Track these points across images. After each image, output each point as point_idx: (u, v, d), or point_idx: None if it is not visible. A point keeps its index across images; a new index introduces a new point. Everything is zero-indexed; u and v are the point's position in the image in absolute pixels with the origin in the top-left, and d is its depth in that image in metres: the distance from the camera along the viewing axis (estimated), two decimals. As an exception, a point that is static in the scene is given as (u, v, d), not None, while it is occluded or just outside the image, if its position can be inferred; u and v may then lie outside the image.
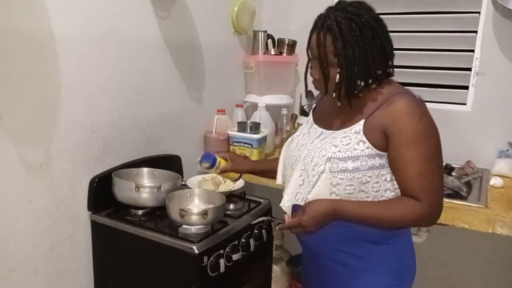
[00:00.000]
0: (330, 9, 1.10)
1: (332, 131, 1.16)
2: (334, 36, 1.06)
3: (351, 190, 1.09)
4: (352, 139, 1.09)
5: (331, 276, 1.23)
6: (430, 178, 1.05)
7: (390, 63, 1.13)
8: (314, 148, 1.15)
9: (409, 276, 1.24)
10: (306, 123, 1.29)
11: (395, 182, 1.10)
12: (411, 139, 1.04)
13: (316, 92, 1.26)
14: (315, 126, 1.23)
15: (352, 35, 1.05)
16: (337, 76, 1.09)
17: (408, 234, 1.23)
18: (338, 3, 1.11)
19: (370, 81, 1.10)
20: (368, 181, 1.09)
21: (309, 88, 1.24)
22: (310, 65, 1.18)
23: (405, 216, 1.07)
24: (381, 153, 1.08)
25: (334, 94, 1.12)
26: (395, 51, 1.15)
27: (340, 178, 1.09)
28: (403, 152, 1.05)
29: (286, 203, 1.18)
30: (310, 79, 1.19)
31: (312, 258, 1.29)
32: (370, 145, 1.08)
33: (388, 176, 1.10)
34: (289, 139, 1.30)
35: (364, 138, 1.08)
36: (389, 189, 1.10)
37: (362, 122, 1.10)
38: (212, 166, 1.40)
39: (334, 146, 1.10)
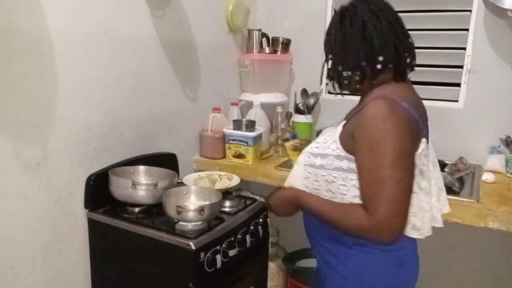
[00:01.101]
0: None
1: (333, 128, 1.19)
2: (329, 28, 1.16)
3: (317, 186, 1.13)
4: (331, 138, 1.12)
5: (320, 266, 1.27)
6: (380, 189, 0.97)
7: (381, 59, 1.08)
8: (319, 137, 1.21)
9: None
10: None
11: None
12: (368, 144, 1.00)
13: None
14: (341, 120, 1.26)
15: (342, 25, 1.10)
16: (329, 63, 1.15)
17: (394, 248, 1.10)
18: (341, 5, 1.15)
19: (358, 72, 1.10)
20: (334, 181, 1.09)
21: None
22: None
23: (345, 222, 1.04)
24: (351, 156, 1.06)
25: (327, 81, 1.20)
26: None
27: (308, 172, 1.15)
28: (360, 158, 1.03)
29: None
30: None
31: (313, 247, 1.31)
32: (340, 146, 1.08)
33: (357, 182, 1.06)
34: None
35: (337, 139, 1.10)
36: (358, 196, 1.05)
37: (342, 123, 1.13)
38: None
39: (316, 142, 1.17)
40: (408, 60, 1.13)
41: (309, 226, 1.26)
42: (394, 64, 1.10)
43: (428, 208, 1.11)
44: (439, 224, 1.18)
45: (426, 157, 1.11)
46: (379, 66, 1.09)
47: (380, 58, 1.08)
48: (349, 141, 1.06)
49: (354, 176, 1.06)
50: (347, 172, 1.07)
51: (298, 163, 1.19)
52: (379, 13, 1.09)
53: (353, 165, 1.06)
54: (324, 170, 1.10)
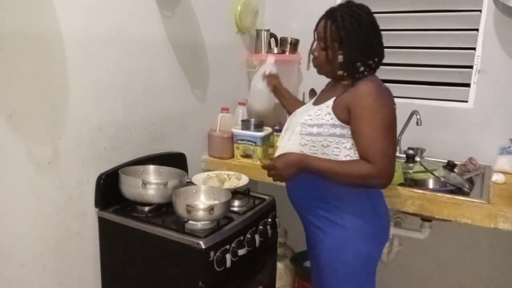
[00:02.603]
0: (340, 5, 1.37)
1: (315, 106, 1.44)
2: (337, 26, 1.33)
3: (315, 151, 1.38)
4: (323, 111, 1.38)
5: (313, 231, 1.48)
6: (380, 145, 1.27)
7: (376, 59, 1.37)
8: (299, 115, 1.48)
9: (379, 233, 1.43)
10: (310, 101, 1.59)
11: (355, 150, 1.34)
12: (366, 112, 1.28)
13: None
14: (310, 102, 1.55)
15: (352, 27, 1.32)
16: (339, 57, 1.35)
17: (379, 197, 1.44)
18: (347, 2, 1.38)
19: (368, 68, 1.36)
20: (329, 145, 1.36)
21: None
22: (313, 45, 1.46)
23: (355, 171, 1.31)
24: (343, 125, 1.33)
25: (339, 73, 1.38)
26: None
27: (306, 140, 1.39)
28: (360, 123, 1.29)
29: (275, 154, 1.50)
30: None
31: (300, 214, 1.53)
32: (334, 117, 1.34)
33: (348, 145, 1.34)
34: (294, 112, 1.58)
35: (331, 111, 1.36)
36: (349, 155, 1.35)
37: (333, 99, 1.37)
38: None
39: (308, 115, 1.41)
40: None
41: (298, 194, 1.49)
42: (378, 65, 1.41)
43: None
44: None
45: None
46: (373, 65, 1.38)
47: (376, 59, 1.38)
48: (343, 113, 1.33)
49: (345, 140, 1.34)
50: (340, 137, 1.35)
51: (295, 133, 1.42)
52: (374, 20, 1.36)
53: (344, 131, 1.34)
54: (321, 137, 1.36)
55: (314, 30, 1.42)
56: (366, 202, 1.40)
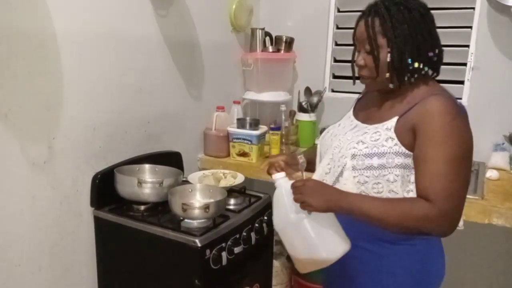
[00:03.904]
0: (377, 1, 1.10)
1: (365, 125, 1.14)
2: (382, 17, 1.05)
3: (380, 189, 1.07)
4: (381, 135, 1.07)
5: (351, 273, 1.19)
6: (448, 181, 0.98)
7: (437, 51, 1.09)
8: (345, 139, 1.14)
9: (433, 281, 1.18)
10: (347, 115, 1.27)
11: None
12: (438, 137, 0.99)
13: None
14: (352, 118, 1.23)
15: (400, 16, 1.04)
16: (388, 56, 1.06)
17: (434, 237, 1.13)
18: None
19: (422, 64, 1.07)
20: (396, 180, 1.05)
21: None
22: (355, 54, 1.15)
23: (409, 212, 0.99)
24: (408, 152, 1.04)
25: (387, 75, 1.08)
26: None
27: (366, 176, 1.07)
28: (427, 149, 1.00)
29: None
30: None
31: None
32: (398, 142, 1.04)
33: (412, 177, 1.05)
34: (326, 130, 1.29)
35: (393, 135, 1.05)
36: (412, 190, 1.05)
37: (395, 119, 1.07)
38: None
39: (362, 142, 1.09)
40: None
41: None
42: (440, 59, 1.12)
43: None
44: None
45: None
46: (435, 58, 1.10)
47: (437, 50, 1.09)
48: (407, 136, 1.04)
49: (409, 172, 1.05)
50: (405, 169, 1.05)
51: (346, 169, 1.09)
52: (426, 5, 1.09)
53: (409, 161, 1.04)
54: (385, 170, 1.05)
55: (353, 37, 1.14)
56: (423, 243, 1.12)
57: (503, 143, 2.01)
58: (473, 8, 2.06)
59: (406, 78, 1.08)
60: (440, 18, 2.11)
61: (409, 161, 1.04)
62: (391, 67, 1.07)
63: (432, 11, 1.11)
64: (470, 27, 2.07)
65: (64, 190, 1.46)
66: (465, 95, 2.13)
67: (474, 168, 1.95)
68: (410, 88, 1.10)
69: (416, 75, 1.08)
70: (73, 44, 1.43)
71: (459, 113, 1.02)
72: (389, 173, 1.05)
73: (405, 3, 1.05)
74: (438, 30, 1.12)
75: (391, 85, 1.09)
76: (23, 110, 1.29)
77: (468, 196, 1.58)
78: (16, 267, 1.34)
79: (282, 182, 1.10)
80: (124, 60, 1.64)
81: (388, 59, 1.06)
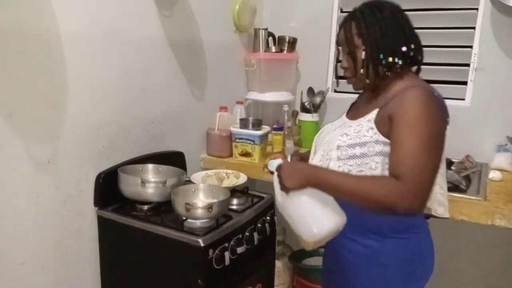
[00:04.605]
0: (355, 7, 1.20)
1: (352, 121, 1.22)
2: (357, 20, 1.16)
3: None
4: (363, 127, 1.15)
5: (345, 265, 1.25)
6: (418, 160, 1.01)
7: (413, 46, 1.16)
8: (334, 135, 1.22)
9: (423, 273, 1.23)
10: (341, 115, 1.35)
11: None
12: (411, 120, 1.04)
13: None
14: (343, 116, 1.32)
15: (373, 17, 1.14)
16: (363, 54, 1.15)
17: (423, 230, 1.22)
18: (362, 3, 1.21)
19: (396, 59, 1.14)
20: (377, 167, 1.11)
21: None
22: (338, 58, 1.25)
23: (376, 188, 1.01)
24: (386, 140, 1.10)
25: (362, 71, 1.16)
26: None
27: (350, 165, 1.14)
28: (401, 130, 1.05)
29: None
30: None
31: (330, 247, 1.31)
32: (377, 131, 1.12)
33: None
34: (322, 129, 1.36)
35: (373, 126, 1.13)
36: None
37: (376, 111, 1.15)
38: None
39: (345, 134, 1.17)
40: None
41: None
42: (417, 54, 1.18)
43: (444, 191, 1.22)
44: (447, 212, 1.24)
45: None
46: (411, 53, 1.16)
47: (412, 46, 1.16)
48: (386, 125, 1.10)
49: (388, 160, 1.10)
50: (384, 156, 1.10)
51: (332, 160, 1.16)
52: (399, 7, 1.19)
53: (387, 149, 1.10)
54: (366, 158, 1.12)
55: (336, 43, 1.26)
56: (413, 237, 1.18)
57: (506, 144, 2.00)
58: (477, 9, 2.05)
59: (380, 72, 1.15)
60: (443, 19, 2.15)
61: (388, 149, 1.10)
62: (366, 63, 1.15)
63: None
64: (474, 28, 2.07)
65: (67, 190, 1.47)
66: (468, 96, 2.12)
67: (476, 169, 1.94)
68: (392, 83, 1.17)
69: (392, 69, 1.16)
70: (77, 45, 1.43)
71: (434, 101, 1.08)
72: (371, 161, 1.12)
73: (378, 6, 1.15)
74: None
75: (367, 80, 1.18)
76: (27, 110, 1.30)
77: (470, 197, 1.62)
78: (19, 266, 1.35)
79: (275, 167, 1.18)
80: (128, 60, 1.65)
81: (363, 57, 1.15)
